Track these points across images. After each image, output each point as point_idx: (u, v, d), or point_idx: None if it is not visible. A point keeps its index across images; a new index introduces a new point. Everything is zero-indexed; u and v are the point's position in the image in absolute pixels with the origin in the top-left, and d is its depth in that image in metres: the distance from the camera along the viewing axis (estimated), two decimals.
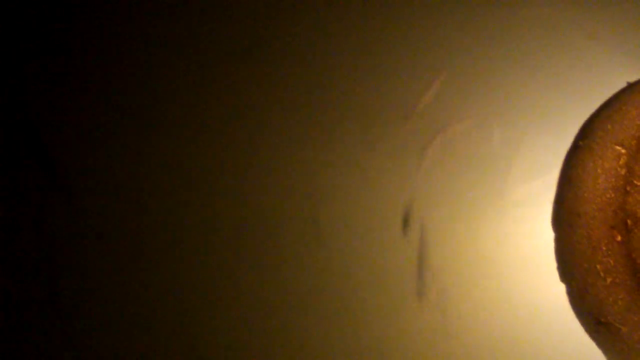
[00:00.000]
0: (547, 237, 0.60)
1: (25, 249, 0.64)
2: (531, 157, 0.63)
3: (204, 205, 0.64)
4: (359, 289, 0.63)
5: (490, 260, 0.62)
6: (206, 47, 0.66)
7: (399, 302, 0.62)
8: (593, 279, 0.56)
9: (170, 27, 0.66)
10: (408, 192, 0.63)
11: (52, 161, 0.65)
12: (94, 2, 0.67)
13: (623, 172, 0.55)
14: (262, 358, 0.63)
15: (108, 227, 0.64)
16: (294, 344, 0.63)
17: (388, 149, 0.64)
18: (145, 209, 0.64)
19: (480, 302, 0.62)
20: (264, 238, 0.63)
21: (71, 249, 0.64)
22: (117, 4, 0.67)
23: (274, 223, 0.64)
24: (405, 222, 0.63)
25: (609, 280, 0.55)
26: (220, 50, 0.66)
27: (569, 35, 0.64)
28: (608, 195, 0.55)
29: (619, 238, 0.55)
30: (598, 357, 0.58)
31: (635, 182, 0.55)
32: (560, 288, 0.59)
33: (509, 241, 0.62)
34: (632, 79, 0.61)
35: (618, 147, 0.56)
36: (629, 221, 0.55)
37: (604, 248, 0.55)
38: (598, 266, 0.56)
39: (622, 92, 0.60)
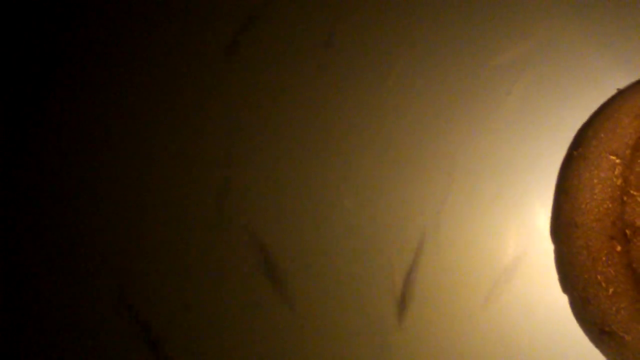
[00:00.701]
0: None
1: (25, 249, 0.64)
2: (523, 166, 0.63)
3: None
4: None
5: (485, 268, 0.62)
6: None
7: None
8: (595, 290, 0.56)
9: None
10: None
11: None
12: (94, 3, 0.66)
13: (619, 182, 0.55)
14: None
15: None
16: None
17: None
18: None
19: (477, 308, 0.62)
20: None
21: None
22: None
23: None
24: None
25: (611, 290, 0.55)
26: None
27: (558, 41, 0.64)
28: (605, 206, 0.55)
29: (618, 248, 0.55)
30: None
31: (631, 191, 0.55)
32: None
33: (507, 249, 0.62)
34: (622, 85, 0.61)
35: (612, 157, 0.56)
36: (627, 231, 0.55)
37: (604, 259, 0.55)
38: (599, 277, 0.56)
39: (613, 99, 0.60)
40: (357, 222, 0.63)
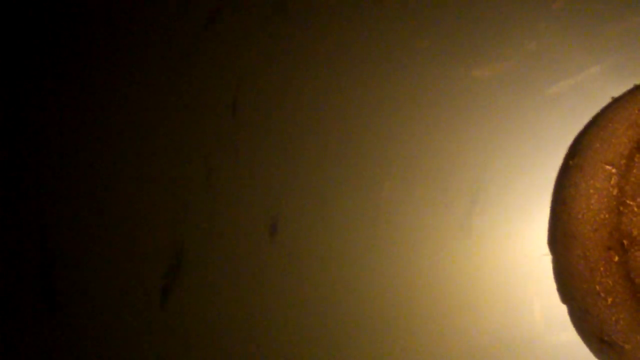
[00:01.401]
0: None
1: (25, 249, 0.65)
2: (517, 174, 0.63)
3: None
4: None
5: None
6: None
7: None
8: (593, 300, 0.56)
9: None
10: None
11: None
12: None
13: (615, 192, 0.55)
14: None
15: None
16: None
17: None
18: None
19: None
20: None
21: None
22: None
23: None
24: None
25: (609, 300, 0.55)
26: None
27: (552, 48, 0.63)
28: (602, 216, 0.55)
29: (616, 259, 0.55)
30: None
31: (627, 201, 0.55)
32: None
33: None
34: (616, 93, 0.61)
35: (608, 167, 0.56)
36: (625, 241, 0.55)
37: (601, 269, 0.55)
38: (597, 287, 0.56)
39: (608, 108, 0.59)
40: None
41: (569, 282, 0.57)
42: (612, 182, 0.55)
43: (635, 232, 0.54)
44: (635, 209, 0.55)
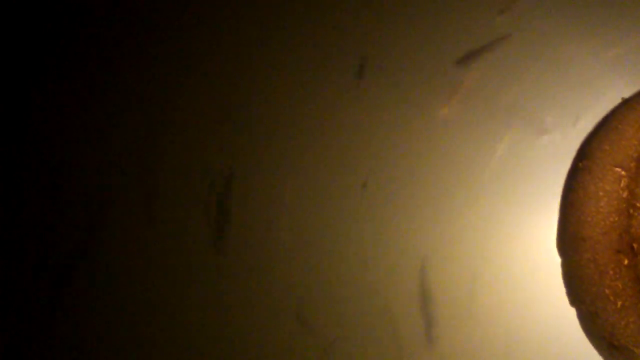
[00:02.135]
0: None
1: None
2: (530, 177, 0.62)
3: None
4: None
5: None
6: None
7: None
8: (603, 303, 0.56)
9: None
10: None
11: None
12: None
13: (625, 194, 0.55)
14: None
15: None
16: None
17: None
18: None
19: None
20: None
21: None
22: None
23: None
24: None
25: (619, 303, 0.55)
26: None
27: (562, 50, 0.63)
28: (612, 219, 0.55)
29: (625, 262, 0.54)
30: None
31: (637, 204, 0.54)
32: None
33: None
34: (627, 94, 0.60)
35: (618, 169, 0.55)
36: (635, 245, 0.54)
37: (611, 272, 0.55)
38: (607, 290, 0.55)
39: (618, 109, 0.59)
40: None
41: (578, 286, 0.57)
42: (622, 184, 0.55)
43: None
44: None
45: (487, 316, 0.62)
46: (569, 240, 0.57)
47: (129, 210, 0.65)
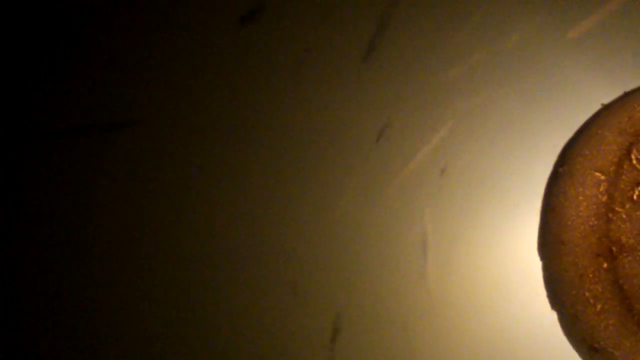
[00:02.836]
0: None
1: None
2: (508, 183, 0.63)
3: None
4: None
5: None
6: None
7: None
8: (583, 306, 0.56)
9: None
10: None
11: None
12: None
13: (604, 199, 0.55)
14: None
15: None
16: None
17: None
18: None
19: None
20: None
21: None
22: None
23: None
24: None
25: (598, 306, 0.55)
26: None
27: (543, 55, 0.64)
28: (591, 223, 0.56)
29: (605, 265, 0.55)
30: None
31: (616, 208, 0.55)
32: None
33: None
34: (607, 100, 0.61)
35: (597, 174, 0.56)
36: (613, 248, 0.55)
37: (590, 275, 0.56)
38: (587, 293, 0.56)
39: (598, 114, 0.60)
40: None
41: (559, 289, 0.57)
42: (602, 189, 0.56)
43: (623, 239, 0.55)
44: (624, 216, 0.55)
45: (468, 318, 0.62)
46: (550, 244, 0.58)
47: None
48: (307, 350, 0.63)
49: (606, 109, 0.59)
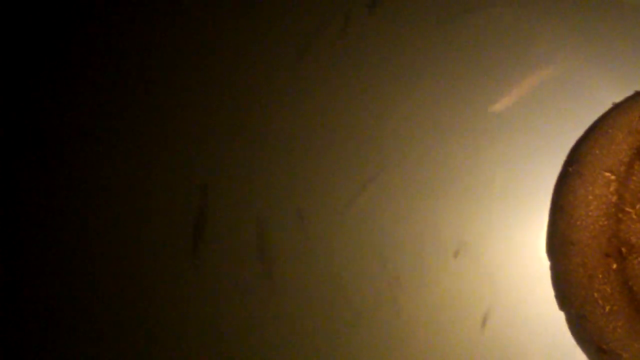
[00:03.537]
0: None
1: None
2: (518, 182, 0.62)
3: None
4: None
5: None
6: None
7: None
8: (591, 307, 0.56)
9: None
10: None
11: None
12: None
13: (614, 199, 0.55)
14: None
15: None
16: None
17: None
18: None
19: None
20: None
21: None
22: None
23: None
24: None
25: (607, 308, 0.55)
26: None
27: (553, 53, 0.63)
28: (601, 223, 0.55)
29: (614, 266, 0.55)
30: None
31: (626, 209, 0.55)
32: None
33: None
34: (618, 98, 0.60)
35: (607, 174, 0.56)
36: (623, 249, 0.54)
37: (600, 276, 0.55)
38: (595, 294, 0.55)
39: (608, 113, 0.59)
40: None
41: (567, 289, 0.57)
42: (611, 189, 0.55)
43: (633, 240, 0.54)
44: (634, 217, 0.54)
45: (475, 316, 0.62)
46: (559, 244, 0.57)
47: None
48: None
49: (617, 107, 0.59)
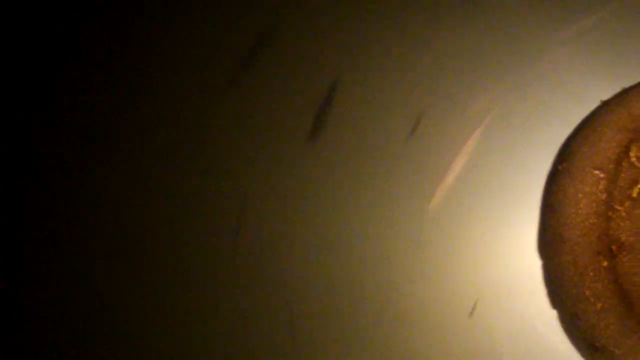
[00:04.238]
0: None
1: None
2: (508, 179, 0.62)
3: None
4: None
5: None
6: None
7: None
8: (583, 305, 0.56)
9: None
10: None
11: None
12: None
13: (604, 197, 0.55)
14: None
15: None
16: None
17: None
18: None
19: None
20: None
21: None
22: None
23: None
24: None
25: (599, 305, 0.55)
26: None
27: (541, 50, 0.63)
28: (591, 221, 0.55)
29: (605, 264, 0.55)
30: None
31: (616, 207, 0.55)
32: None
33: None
34: (606, 96, 0.60)
35: (596, 171, 0.56)
36: (613, 247, 0.54)
37: (591, 274, 0.55)
38: (587, 292, 0.55)
39: (597, 111, 0.59)
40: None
41: (559, 287, 0.57)
42: (601, 187, 0.55)
43: (623, 238, 0.54)
44: (624, 214, 0.55)
45: (465, 316, 0.62)
46: (550, 242, 0.57)
47: None
48: None
49: (605, 105, 0.59)
